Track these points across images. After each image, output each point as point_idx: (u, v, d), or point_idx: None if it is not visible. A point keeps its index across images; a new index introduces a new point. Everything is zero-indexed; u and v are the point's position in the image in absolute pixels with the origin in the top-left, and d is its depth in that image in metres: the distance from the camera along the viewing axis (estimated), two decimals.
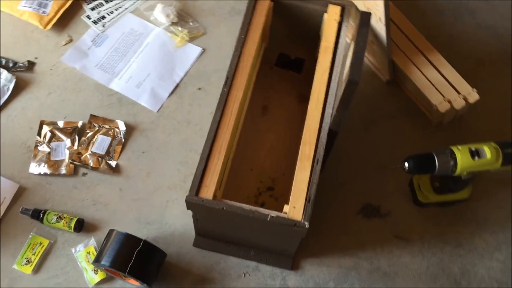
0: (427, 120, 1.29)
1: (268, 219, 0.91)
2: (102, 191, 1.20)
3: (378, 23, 1.10)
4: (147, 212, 1.18)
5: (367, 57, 1.34)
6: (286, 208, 0.93)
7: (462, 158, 1.01)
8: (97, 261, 1.02)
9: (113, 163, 1.22)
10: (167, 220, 1.17)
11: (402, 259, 1.15)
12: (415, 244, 1.17)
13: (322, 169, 0.96)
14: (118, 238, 1.03)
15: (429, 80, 1.19)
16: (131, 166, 1.23)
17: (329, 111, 1.01)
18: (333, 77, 1.04)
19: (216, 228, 1.07)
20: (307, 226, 0.90)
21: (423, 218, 1.20)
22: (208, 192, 0.93)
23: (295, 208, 0.92)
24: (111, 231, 1.05)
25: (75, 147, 1.23)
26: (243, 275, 1.12)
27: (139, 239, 1.03)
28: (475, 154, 1.02)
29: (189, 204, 0.93)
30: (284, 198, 1.17)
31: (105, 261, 1.00)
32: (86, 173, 1.22)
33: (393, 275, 1.14)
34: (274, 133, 1.25)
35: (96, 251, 1.10)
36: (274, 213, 0.91)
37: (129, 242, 1.03)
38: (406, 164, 1.03)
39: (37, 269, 1.11)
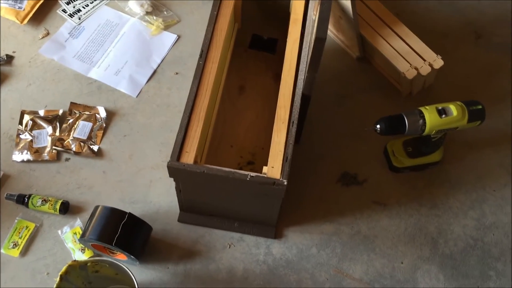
0: (397, 92, 1.35)
1: (247, 178, 0.94)
2: (86, 175, 1.22)
3: None
4: (131, 192, 1.20)
5: (337, 35, 1.40)
6: (265, 169, 0.97)
7: (430, 117, 1.06)
8: (83, 236, 1.04)
9: (95, 147, 1.25)
10: (151, 198, 1.20)
11: (380, 223, 1.19)
12: (392, 208, 1.21)
13: (298, 138, 1.00)
14: (103, 213, 1.05)
15: (396, 50, 1.25)
16: (113, 149, 1.25)
17: (301, 77, 1.05)
18: (303, 46, 1.09)
19: (199, 198, 1.10)
20: (285, 183, 0.94)
21: (399, 183, 1.24)
22: (189, 157, 0.96)
23: (273, 168, 0.96)
24: (96, 207, 1.07)
25: (57, 133, 1.25)
26: (228, 246, 1.15)
27: (124, 212, 1.05)
28: (442, 112, 1.07)
29: (171, 170, 0.96)
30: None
31: (91, 235, 1.02)
32: (69, 158, 1.24)
33: (373, 238, 1.17)
34: (252, 111, 1.29)
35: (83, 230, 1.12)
36: (253, 174, 0.95)
37: (114, 216, 1.05)
38: (378, 126, 1.08)
39: (24, 252, 1.12)
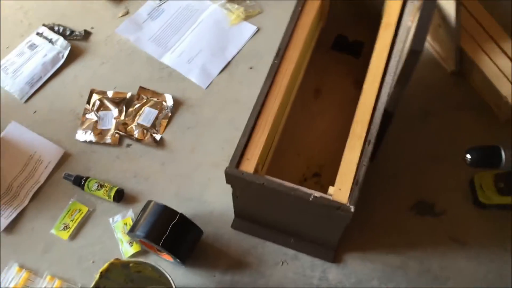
0: (494, 116, 1.19)
1: (310, 198, 0.84)
2: (144, 164, 1.17)
3: (448, 3, 1.02)
4: (187, 188, 1.14)
5: (432, 44, 1.25)
6: (331, 189, 0.87)
7: None
8: (132, 231, 0.99)
9: (158, 136, 1.20)
10: (206, 198, 1.13)
11: (456, 263, 1.05)
12: (472, 248, 1.07)
13: (373, 157, 0.89)
14: (155, 209, 0.99)
15: (500, 70, 1.09)
16: (175, 140, 1.20)
17: (386, 91, 0.93)
18: (393, 55, 0.97)
19: (256, 208, 1.02)
20: (352, 210, 0.83)
21: (484, 220, 1.09)
22: (249, 165, 0.88)
23: (340, 190, 0.85)
24: (148, 202, 1.02)
25: (122, 117, 1.22)
26: (281, 263, 1.06)
27: (176, 212, 0.99)
28: None
29: (228, 177, 0.89)
30: (331, 185, 1.10)
31: (140, 232, 0.97)
32: (131, 144, 1.20)
33: (445, 279, 1.04)
34: (325, 118, 1.19)
35: (133, 222, 1.08)
36: (317, 193, 0.85)
37: (165, 214, 0.99)
38: (469, 156, 0.94)
39: (74, 236, 1.09)
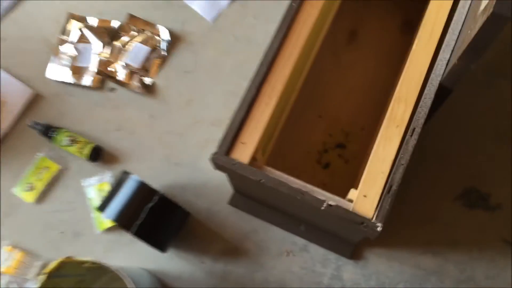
0: None
1: (322, 207, 0.61)
2: (130, 114, 0.95)
3: None
4: (179, 150, 0.93)
5: None
6: (352, 194, 0.63)
7: None
8: (101, 208, 0.79)
9: (148, 80, 0.96)
10: (202, 165, 0.92)
11: (506, 272, 0.83)
12: None
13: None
14: (130, 186, 0.79)
15: None
16: (169, 87, 0.96)
17: (445, 56, 0.66)
18: (459, 7, 0.68)
19: (256, 195, 0.80)
20: (379, 229, 0.60)
21: None
22: (244, 152, 0.65)
23: (366, 197, 0.62)
24: (124, 175, 0.81)
25: (106, 53, 0.98)
26: (286, 253, 0.86)
27: (155, 192, 0.78)
28: None
29: (216, 165, 0.66)
30: (357, 162, 0.87)
31: (109, 212, 0.78)
32: (114, 89, 0.97)
33: None
34: (359, 70, 0.92)
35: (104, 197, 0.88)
36: (333, 200, 0.62)
37: (142, 194, 0.79)
38: None
39: (40, 199, 0.91)
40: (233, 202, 0.88)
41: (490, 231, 0.86)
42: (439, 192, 0.87)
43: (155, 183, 0.89)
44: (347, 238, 0.80)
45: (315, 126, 0.90)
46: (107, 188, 0.89)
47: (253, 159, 0.65)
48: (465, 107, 0.91)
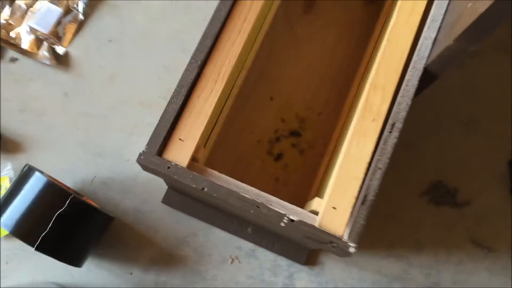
0: None
1: (282, 223, 0.48)
2: (37, 92, 0.77)
3: None
4: (100, 137, 0.76)
5: None
6: (317, 204, 0.51)
7: None
8: None
9: (60, 49, 0.78)
10: (129, 155, 0.76)
11: (476, 276, 0.75)
12: (501, 257, 0.76)
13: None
14: (35, 186, 0.62)
15: None
16: (87, 59, 0.79)
17: (430, 34, 0.54)
18: None
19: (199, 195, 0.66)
20: (352, 250, 0.48)
21: None
22: (182, 151, 0.50)
23: (335, 210, 0.50)
24: (28, 171, 0.64)
25: (5, 15, 0.78)
26: (231, 260, 0.73)
27: (67, 194, 0.62)
28: None
29: (145, 168, 0.51)
30: (314, 153, 0.74)
31: (4, 222, 0.61)
32: (16, 59, 0.78)
33: None
34: (317, 45, 0.79)
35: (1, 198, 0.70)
36: (294, 213, 0.49)
37: (50, 197, 0.62)
38: None
39: None
40: (168, 200, 0.73)
41: (459, 231, 0.77)
42: (404, 187, 0.77)
43: (70, 179, 0.73)
44: (301, 243, 0.69)
45: (266, 110, 0.77)
46: (6, 184, 0.72)
47: (194, 159, 0.51)
48: (433, 89, 0.80)
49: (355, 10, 0.80)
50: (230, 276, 0.73)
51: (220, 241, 0.73)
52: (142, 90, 0.78)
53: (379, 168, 0.50)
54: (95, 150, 0.75)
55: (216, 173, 0.51)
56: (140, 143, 0.76)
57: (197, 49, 0.51)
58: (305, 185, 0.73)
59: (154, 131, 0.50)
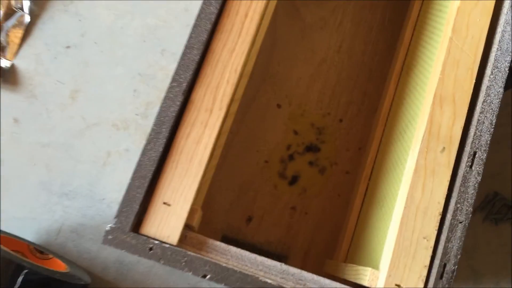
0: None
1: None
2: None
3: None
4: (66, 173, 0.60)
5: None
6: (372, 277, 0.35)
7: None
8: None
9: (4, 63, 0.61)
10: (103, 191, 0.60)
11: None
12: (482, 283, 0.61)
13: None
14: None
15: None
16: (41, 73, 0.61)
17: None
18: None
19: None
20: None
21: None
22: (169, 222, 0.34)
23: None
24: None
25: None
26: None
27: (20, 267, 0.46)
28: None
29: (117, 247, 0.35)
30: (337, 171, 0.59)
31: None
32: None
33: None
34: (331, 33, 0.62)
35: None
36: None
37: None
38: None
39: None
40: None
41: None
42: None
43: (30, 231, 0.57)
44: None
45: (273, 121, 0.60)
46: None
47: (186, 228, 0.35)
48: None
49: None
50: None
51: None
52: (114, 107, 0.61)
53: (460, 222, 0.34)
54: (60, 190, 0.59)
55: (222, 245, 0.35)
56: (116, 175, 0.60)
57: (180, 66, 0.35)
58: (331, 213, 0.58)
59: (125, 194, 0.33)
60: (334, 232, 0.58)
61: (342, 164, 0.60)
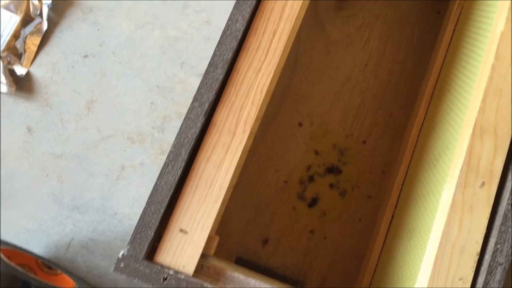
0: None
1: None
2: None
3: None
4: (78, 186, 0.58)
5: None
6: None
7: None
8: None
9: (20, 70, 0.59)
10: (116, 206, 0.58)
11: None
12: None
13: None
14: None
15: None
16: (57, 82, 0.60)
17: None
18: None
19: None
20: None
21: None
22: (185, 251, 0.32)
23: None
24: None
25: None
26: None
27: (26, 283, 0.44)
28: None
29: (129, 276, 0.32)
30: (359, 194, 0.56)
31: None
32: None
33: None
34: (356, 51, 0.60)
35: None
36: None
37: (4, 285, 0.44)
38: None
39: None
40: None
41: None
42: None
43: (39, 244, 0.55)
44: None
45: (294, 140, 0.58)
46: None
47: (203, 256, 0.32)
48: None
49: (403, 2, 0.61)
50: None
51: None
52: (130, 119, 0.59)
53: (499, 264, 0.31)
54: (72, 203, 0.57)
55: (241, 277, 0.32)
56: (130, 190, 0.58)
57: (203, 84, 0.33)
58: (351, 239, 0.55)
59: (139, 220, 0.31)
60: (353, 259, 0.55)
61: (364, 187, 0.57)
